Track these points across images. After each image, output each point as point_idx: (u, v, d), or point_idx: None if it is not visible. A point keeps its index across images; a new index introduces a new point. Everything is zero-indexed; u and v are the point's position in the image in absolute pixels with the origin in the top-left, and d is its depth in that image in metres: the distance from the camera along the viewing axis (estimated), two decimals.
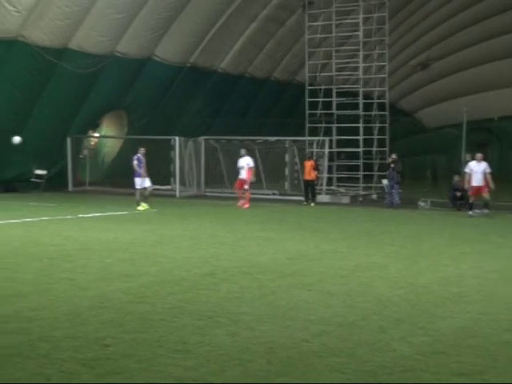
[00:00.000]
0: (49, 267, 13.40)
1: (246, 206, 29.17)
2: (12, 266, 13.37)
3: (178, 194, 34.94)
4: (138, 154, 27.77)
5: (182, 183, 35.99)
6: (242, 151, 30.68)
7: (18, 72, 31.92)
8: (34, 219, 22.86)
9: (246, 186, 29.77)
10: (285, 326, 9.15)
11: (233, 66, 42.81)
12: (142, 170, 27.57)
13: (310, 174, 31.87)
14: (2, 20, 29.84)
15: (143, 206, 27.02)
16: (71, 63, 33.12)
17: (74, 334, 8.56)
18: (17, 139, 29.28)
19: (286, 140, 37.27)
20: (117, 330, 8.77)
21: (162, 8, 34.93)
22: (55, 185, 36.01)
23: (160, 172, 34.50)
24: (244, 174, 29.81)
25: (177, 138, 35.81)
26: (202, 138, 37.60)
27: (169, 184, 36.10)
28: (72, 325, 8.99)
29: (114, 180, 38.10)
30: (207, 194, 36.25)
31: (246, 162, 30.00)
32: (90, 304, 10.19)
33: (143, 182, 27.56)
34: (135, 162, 27.54)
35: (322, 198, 33.60)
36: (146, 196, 27.52)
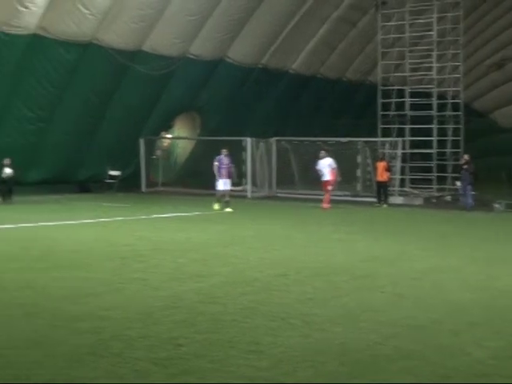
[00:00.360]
0: (121, 267, 13.55)
1: (326, 206, 29.17)
2: (86, 266, 13.57)
3: (249, 194, 35.02)
4: (221, 155, 27.64)
5: (254, 184, 36.04)
6: (322, 153, 30.55)
7: (92, 75, 32.39)
8: (108, 219, 23.18)
9: (330, 187, 29.79)
10: (357, 327, 9.08)
11: (305, 66, 42.73)
12: (223, 172, 27.39)
13: (382, 175, 31.63)
14: (78, 23, 30.33)
15: (219, 207, 26.88)
16: (144, 65, 33.50)
17: (147, 333, 8.62)
18: (8, 171, 29.72)
19: (358, 141, 37.01)
20: (189, 330, 8.81)
21: (234, 10, 35.08)
22: (128, 185, 36.45)
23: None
24: (327, 176, 29.74)
25: (248, 139, 35.87)
26: (273, 139, 37.57)
27: (240, 185, 36.17)
28: (145, 324, 9.07)
29: (186, 181, 38.36)
30: (278, 194, 36.22)
31: (327, 164, 29.92)
32: (163, 304, 10.26)
33: (221, 184, 27.38)
34: (216, 163, 27.45)
35: (395, 199, 33.26)
36: (226, 200, 27.35)
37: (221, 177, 27.32)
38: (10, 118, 31.17)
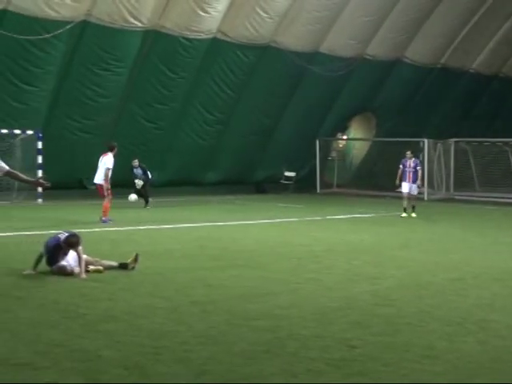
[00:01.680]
0: (297, 267, 13.66)
1: None
2: (263, 265, 13.76)
3: (426, 197, 34.44)
4: (405, 158, 26.93)
5: (431, 186, 35.43)
6: None
7: (270, 77, 32.93)
8: (284, 220, 23.47)
9: None
10: None
11: (485, 65, 41.67)
12: (406, 175, 26.56)
13: None
14: (257, 27, 30.94)
15: (408, 213, 26.13)
16: (321, 67, 33.72)
17: (321, 333, 8.64)
18: (133, 197, 27.98)
19: None
20: (363, 331, 8.75)
21: (412, 9, 34.68)
22: (303, 186, 36.77)
23: None
24: None
25: (426, 140, 35.31)
26: (451, 140, 36.86)
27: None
28: (319, 324, 9.09)
29: (361, 182, 38.19)
30: (456, 197, 35.47)
31: None
32: (337, 305, 10.25)
33: (404, 187, 26.61)
34: (400, 166, 26.93)
35: None
36: (412, 204, 26.57)
37: (404, 180, 26.60)
38: (190, 119, 32.18)
